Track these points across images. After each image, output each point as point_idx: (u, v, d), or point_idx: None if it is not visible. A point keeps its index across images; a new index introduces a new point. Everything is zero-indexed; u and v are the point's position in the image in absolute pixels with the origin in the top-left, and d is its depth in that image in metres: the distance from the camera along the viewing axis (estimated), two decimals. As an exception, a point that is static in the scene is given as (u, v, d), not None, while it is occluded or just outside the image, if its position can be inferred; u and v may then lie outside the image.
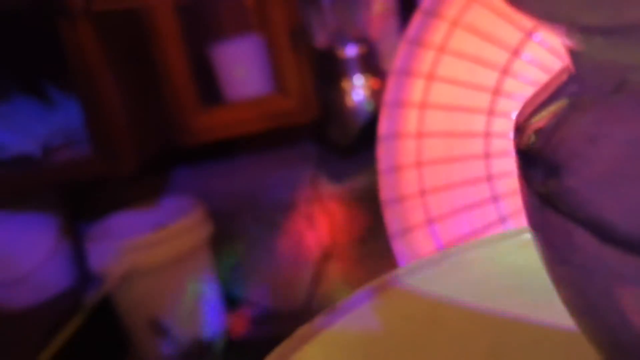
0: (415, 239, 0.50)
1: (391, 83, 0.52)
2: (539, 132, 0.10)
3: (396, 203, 0.50)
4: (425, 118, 0.51)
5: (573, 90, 0.11)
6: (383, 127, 0.52)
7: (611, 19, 0.08)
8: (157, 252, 0.88)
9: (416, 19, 0.49)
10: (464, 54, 0.47)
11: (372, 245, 0.76)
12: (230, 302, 0.92)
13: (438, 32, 0.49)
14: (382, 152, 0.51)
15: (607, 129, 0.09)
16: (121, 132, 0.89)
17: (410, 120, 0.51)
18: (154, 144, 0.95)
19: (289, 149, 0.89)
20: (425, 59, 0.50)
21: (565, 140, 0.10)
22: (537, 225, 0.11)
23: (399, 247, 0.50)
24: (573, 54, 0.10)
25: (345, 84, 0.87)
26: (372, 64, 0.87)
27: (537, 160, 0.10)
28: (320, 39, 0.90)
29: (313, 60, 0.86)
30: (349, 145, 0.82)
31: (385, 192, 0.51)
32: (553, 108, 0.10)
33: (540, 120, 0.11)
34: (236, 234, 0.90)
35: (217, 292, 0.91)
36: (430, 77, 0.49)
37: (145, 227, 0.90)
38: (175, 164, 0.96)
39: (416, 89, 0.50)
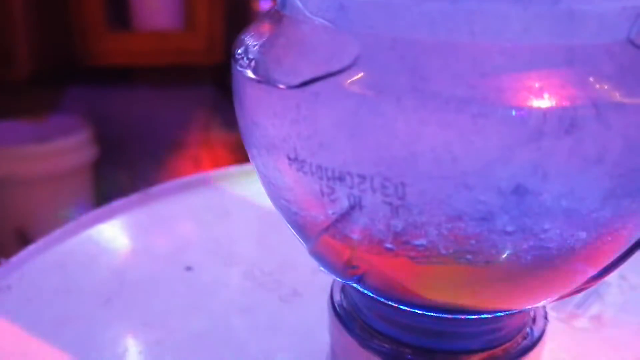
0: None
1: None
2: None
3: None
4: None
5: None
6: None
7: None
8: (33, 165, 0.86)
9: None
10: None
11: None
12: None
13: None
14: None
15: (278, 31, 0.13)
16: (18, 36, 0.86)
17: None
18: (52, 57, 0.92)
19: (187, 89, 0.89)
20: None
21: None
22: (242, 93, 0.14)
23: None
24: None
25: (254, 36, 0.88)
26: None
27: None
28: (238, -13, 0.91)
29: (227, 7, 0.87)
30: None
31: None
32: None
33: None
34: (120, 162, 0.90)
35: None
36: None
37: (27, 140, 0.88)
38: (71, 82, 0.94)
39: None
